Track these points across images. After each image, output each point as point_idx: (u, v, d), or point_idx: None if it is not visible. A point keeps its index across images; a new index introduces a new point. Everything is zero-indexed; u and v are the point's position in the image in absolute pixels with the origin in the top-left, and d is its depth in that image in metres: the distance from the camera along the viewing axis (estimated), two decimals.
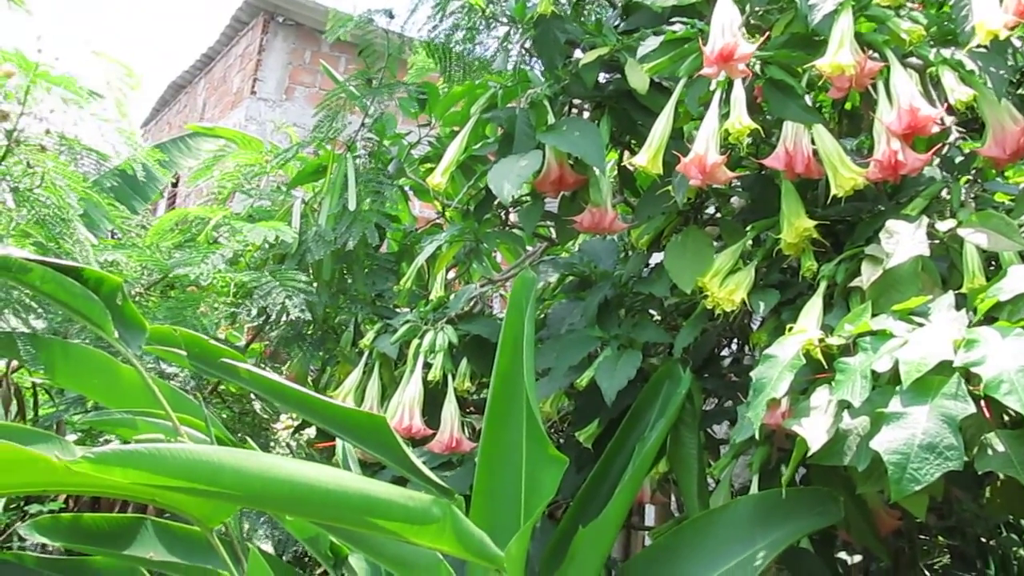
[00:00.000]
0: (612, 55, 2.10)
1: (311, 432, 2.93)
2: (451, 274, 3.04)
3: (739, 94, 1.73)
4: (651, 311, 2.42)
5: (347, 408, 1.72)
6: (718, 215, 2.32)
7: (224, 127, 4.51)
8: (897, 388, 1.39)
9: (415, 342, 2.34)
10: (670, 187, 1.93)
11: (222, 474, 1.31)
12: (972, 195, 1.80)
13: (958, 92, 1.67)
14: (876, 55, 1.77)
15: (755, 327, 2.22)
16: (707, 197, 2.23)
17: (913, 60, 1.81)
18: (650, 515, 3.31)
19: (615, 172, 2.47)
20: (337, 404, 1.69)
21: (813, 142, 1.81)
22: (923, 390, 1.36)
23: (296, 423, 2.90)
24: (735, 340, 2.56)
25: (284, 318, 2.66)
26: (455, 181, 2.73)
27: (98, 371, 2.05)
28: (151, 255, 2.66)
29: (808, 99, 2.00)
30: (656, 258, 2.29)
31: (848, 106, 2.28)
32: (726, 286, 1.92)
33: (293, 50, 7.77)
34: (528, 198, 2.19)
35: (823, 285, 1.80)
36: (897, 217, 1.72)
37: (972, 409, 1.31)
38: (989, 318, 1.48)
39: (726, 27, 1.69)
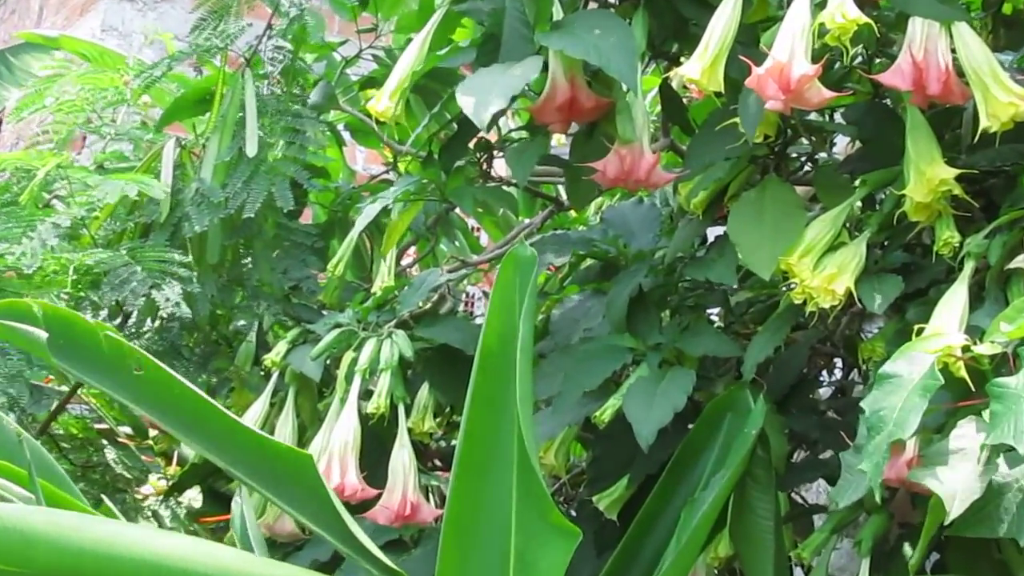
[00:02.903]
0: None
1: (194, 498, 2.93)
2: (408, 258, 3.04)
3: None
4: (711, 309, 2.42)
5: (255, 433, 1.72)
6: (811, 163, 2.32)
7: (74, 37, 4.50)
8: None
9: (349, 356, 2.34)
10: (738, 119, 1.92)
11: (34, 548, 1.30)
12: None
13: None
14: None
15: (869, 336, 2.22)
16: (795, 135, 2.22)
17: None
18: None
19: (658, 106, 2.46)
20: (245, 426, 1.69)
21: (954, 51, 1.80)
22: None
23: (170, 483, 2.90)
24: (839, 357, 2.56)
25: (151, 321, 2.64)
26: (414, 114, 2.72)
27: None
28: None
29: None
30: (718, 230, 2.28)
31: (1008, 8, 2.28)
32: (823, 269, 1.92)
33: None
34: (523, 133, 2.20)
35: (969, 267, 1.80)
36: None
37: None
38: None
39: None
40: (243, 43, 2.67)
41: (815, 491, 2.96)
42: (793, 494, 2.50)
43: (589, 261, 2.55)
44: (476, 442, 1.87)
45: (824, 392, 2.64)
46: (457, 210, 2.66)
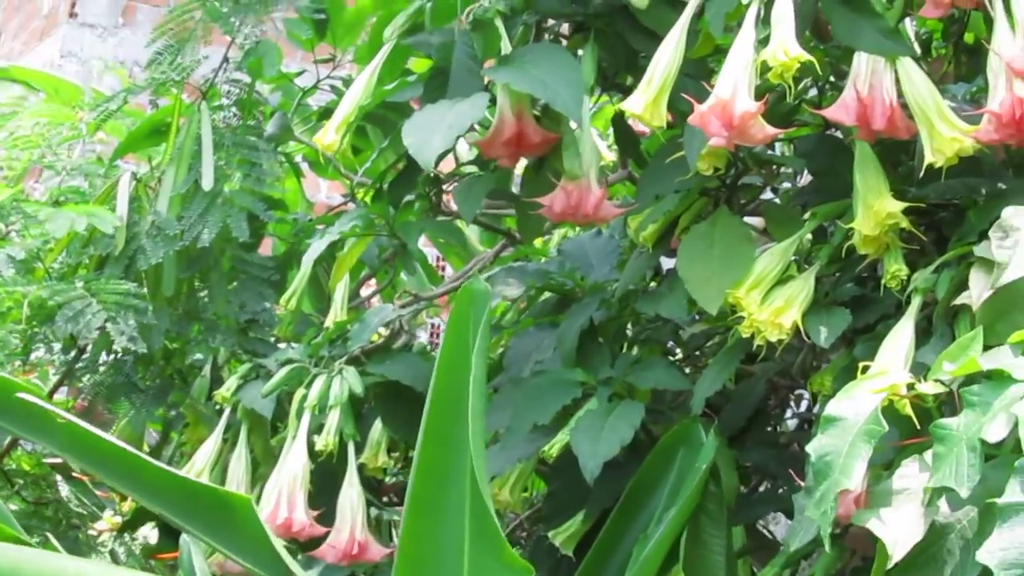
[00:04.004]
0: None
1: (149, 534, 2.94)
2: (368, 289, 3.06)
3: (785, 7, 1.74)
4: (667, 343, 2.44)
5: (189, 481, 1.73)
6: (773, 191, 2.35)
7: (26, 68, 4.52)
8: (1018, 462, 1.39)
9: (300, 392, 2.35)
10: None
11: None
12: None
13: None
14: None
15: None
16: (745, 168, 2.25)
17: None
18: None
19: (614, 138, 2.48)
20: (173, 473, 1.70)
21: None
22: None
23: (125, 519, 2.90)
24: (801, 389, 2.56)
25: (105, 355, 2.64)
26: (371, 144, 2.74)
27: None
28: None
29: (910, 26, 2.03)
30: (671, 262, 2.30)
31: (969, 38, 2.30)
32: (771, 303, 1.93)
33: None
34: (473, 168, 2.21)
35: (916, 302, 1.81)
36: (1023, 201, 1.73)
37: None
38: None
39: None
40: (199, 75, 2.68)
41: (784, 524, 2.96)
42: (760, 527, 2.51)
43: (548, 293, 2.55)
44: (428, 480, 1.88)
45: (792, 423, 2.65)
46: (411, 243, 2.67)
